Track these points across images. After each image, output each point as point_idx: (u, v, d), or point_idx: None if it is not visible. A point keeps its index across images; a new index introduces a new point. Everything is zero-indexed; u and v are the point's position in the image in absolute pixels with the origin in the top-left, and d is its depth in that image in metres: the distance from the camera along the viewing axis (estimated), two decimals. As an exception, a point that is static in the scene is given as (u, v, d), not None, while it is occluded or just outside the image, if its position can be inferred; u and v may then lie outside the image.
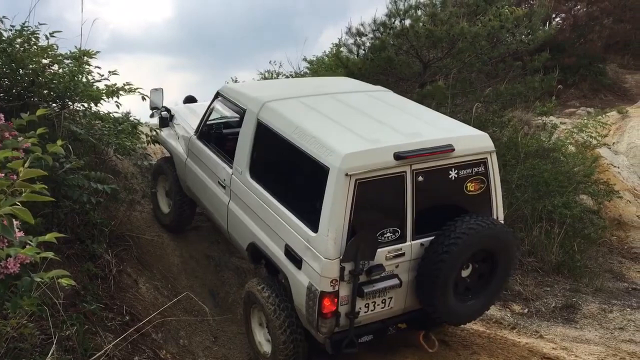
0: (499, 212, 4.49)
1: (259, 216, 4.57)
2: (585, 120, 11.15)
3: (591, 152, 9.78)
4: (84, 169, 4.67)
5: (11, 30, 5.08)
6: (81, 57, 5.38)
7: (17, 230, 2.38)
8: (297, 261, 4.14)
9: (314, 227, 3.97)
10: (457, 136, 4.34)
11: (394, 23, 9.01)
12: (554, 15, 16.61)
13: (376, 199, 4.03)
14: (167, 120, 6.17)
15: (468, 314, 4.50)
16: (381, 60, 8.79)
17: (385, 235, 4.05)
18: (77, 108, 5.59)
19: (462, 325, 5.36)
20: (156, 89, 6.07)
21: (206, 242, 6.37)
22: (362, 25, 9.29)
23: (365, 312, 4.13)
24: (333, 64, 10.76)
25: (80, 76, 5.28)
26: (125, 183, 6.34)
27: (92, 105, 5.55)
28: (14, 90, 5.05)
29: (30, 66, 5.03)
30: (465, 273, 4.30)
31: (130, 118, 5.99)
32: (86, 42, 5.59)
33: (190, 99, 7.01)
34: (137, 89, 5.68)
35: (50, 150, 2.67)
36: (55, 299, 3.83)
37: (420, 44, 8.81)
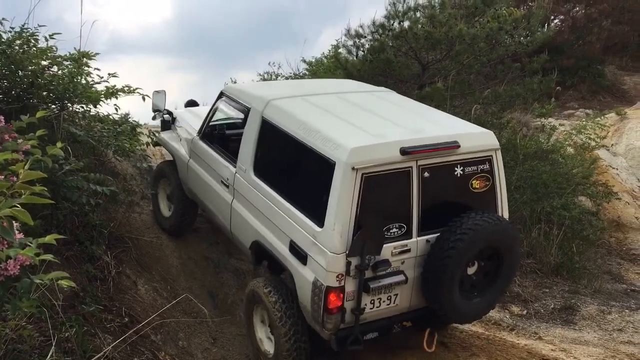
0: (504, 210, 4.49)
1: (263, 213, 4.57)
2: (584, 122, 11.16)
3: (590, 153, 9.78)
4: (83, 170, 4.67)
5: (10, 31, 5.08)
6: (80, 59, 5.37)
7: (16, 232, 2.38)
8: (302, 257, 4.13)
9: (320, 222, 3.97)
10: (462, 133, 4.38)
11: (392, 25, 9.02)
12: (552, 17, 16.62)
13: (382, 193, 4.03)
14: (169, 123, 6.17)
15: (473, 312, 4.48)
16: (380, 62, 8.80)
17: (391, 231, 4.06)
18: (77, 110, 5.59)
19: (461, 326, 5.39)
20: (158, 92, 6.07)
21: (205, 244, 6.37)
22: (361, 26, 9.31)
23: (371, 308, 4.12)
24: (332, 66, 10.76)
25: (79, 78, 5.28)
26: (124, 185, 6.33)
27: (92, 107, 5.55)
28: (13, 92, 5.05)
29: (30, 68, 5.03)
30: (471, 270, 4.30)
31: (129, 119, 5.99)
32: (85, 44, 5.60)
33: (191, 103, 7.03)
34: (136, 89, 5.68)
35: (50, 152, 2.68)
36: (54, 301, 3.83)
37: (419, 46, 8.82)
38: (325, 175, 3.95)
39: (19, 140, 2.84)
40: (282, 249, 4.36)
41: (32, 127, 3.06)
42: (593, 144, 10.04)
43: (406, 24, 8.90)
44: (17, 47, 5.00)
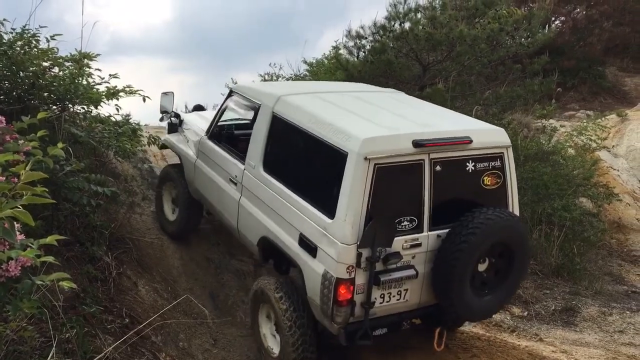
0: (514, 208, 4.48)
1: (272, 209, 4.55)
2: (585, 123, 11.16)
3: (591, 155, 9.78)
4: (84, 171, 4.67)
5: (12, 33, 5.09)
6: (81, 60, 5.38)
7: (18, 233, 2.38)
8: (312, 249, 4.10)
9: (331, 213, 3.95)
10: (474, 129, 4.39)
11: (393, 26, 9.04)
12: (553, 18, 16.63)
13: (394, 185, 4.02)
14: (176, 126, 6.16)
15: (484, 309, 4.42)
16: (381, 63, 8.81)
17: (402, 224, 4.04)
18: (78, 111, 5.59)
19: (462, 327, 5.38)
20: (166, 93, 6.06)
21: (206, 245, 6.37)
22: (362, 27, 9.33)
23: (381, 302, 4.09)
24: (333, 67, 10.77)
25: (80, 79, 5.28)
26: (125, 185, 6.34)
27: (93, 107, 5.55)
28: (14, 93, 5.06)
29: (31, 69, 5.03)
30: (482, 267, 4.27)
31: (130, 121, 6.00)
32: (86, 45, 5.60)
33: (198, 108, 7.08)
34: (138, 91, 5.68)
35: (51, 153, 2.68)
36: (55, 302, 3.82)
37: (419, 47, 8.83)
38: (337, 166, 3.93)
39: (20, 141, 2.84)
40: (291, 243, 4.32)
41: (33, 128, 3.06)
42: (594, 145, 10.04)
43: (407, 25, 8.91)
44: (18, 48, 5.01)
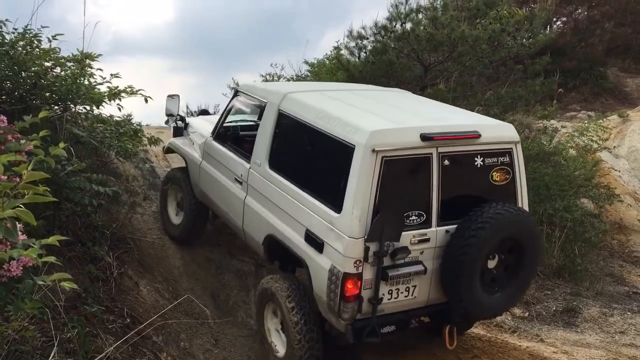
0: (524, 205, 4.45)
1: (277, 206, 4.53)
2: (586, 124, 11.15)
3: (592, 155, 9.77)
4: (85, 171, 4.67)
5: (14, 32, 5.09)
6: (83, 60, 5.38)
7: (19, 232, 2.38)
8: (318, 245, 4.05)
9: (338, 208, 3.91)
10: (483, 124, 4.39)
11: (395, 26, 9.04)
12: (554, 19, 16.63)
13: (402, 179, 4.00)
14: (181, 129, 6.15)
15: (494, 307, 4.36)
16: (382, 64, 8.81)
17: (410, 219, 4.00)
18: (79, 111, 5.60)
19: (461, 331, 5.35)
20: (172, 96, 6.03)
21: (207, 245, 6.37)
22: (363, 28, 9.33)
23: (389, 299, 4.03)
24: (334, 67, 10.77)
25: (82, 79, 5.29)
26: (126, 186, 6.34)
27: (94, 108, 5.56)
28: (16, 93, 5.06)
29: (33, 69, 5.03)
30: (491, 264, 4.22)
31: (131, 121, 6.00)
32: (88, 45, 5.61)
33: (204, 112, 7.15)
34: (139, 91, 5.68)
35: (53, 153, 2.67)
36: (56, 302, 3.83)
37: (421, 48, 8.84)
38: (344, 160, 3.90)
39: (22, 141, 2.84)
40: (297, 240, 4.28)
41: (35, 128, 3.06)
42: (595, 146, 10.03)
43: (408, 25, 8.91)
44: (20, 48, 5.01)
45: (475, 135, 4.14)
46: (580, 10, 17.80)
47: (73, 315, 4.06)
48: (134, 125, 5.93)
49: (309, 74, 12.31)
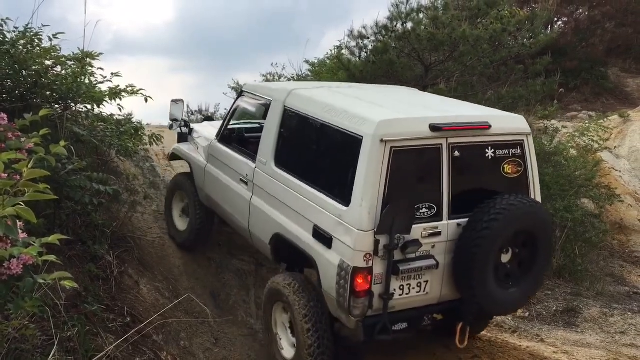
0: (537, 197, 4.37)
1: (284, 203, 4.46)
2: (587, 124, 11.13)
3: (593, 156, 9.76)
4: (86, 170, 4.67)
5: (14, 31, 5.09)
6: (84, 59, 5.38)
7: (20, 231, 2.38)
8: (327, 240, 3.97)
9: (346, 201, 3.84)
10: (493, 115, 4.34)
11: (395, 26, 9.04)
12: (555, 19, 16.62)
13: (411, 170, 3.94)
14: (186, 135, 6.12)
15: (509, 302, 4.24)
16: (383, 63, 8.81)
17: (420, 211, 3.91)
18: (80, 110, 5.60)
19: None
20: (176, 101, 5.99)
21: (208, 244, 6.37)
22: (364, 28, 9.33)
23: (400, 295, 3.94)
24: (335, 67, 10.77)
25: (83, 78, 5.29)
26: (127, 184, 6.34)
27: (95, 106, 5.56)
28: (17, 92, 5.06)
29: (33, 67, 5.03)
30: (505, 258, 4.12)
31: (132, 120, 6.00)
32: (89, 44, 5.62)
33: (208, 119, 7.18)
34: (140, 90, 5.68)
35: (53, 151, 2.67)
36: (56, 300, 3.83)
37: (422, 47, 8.83)
38: (352, 152, 3.83)
39: (22, 139, 2.84)
40: (304, 237, 4.20)
41: (36, 126, 3.06)
42: (596, 146, 10.02)
43: (409, 25, 8.91)
44: (20, 47, 5.01)
45: (485, 126, 4.08)
46: (581, 11, 17.78)
47: (73, 314, 4.06)
48: (135, 123, 5.92)
49: (309, 74, 12.31)
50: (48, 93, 5.20)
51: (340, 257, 3.85)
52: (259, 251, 5.35)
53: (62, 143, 2.74)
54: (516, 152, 4.24)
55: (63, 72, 5.28)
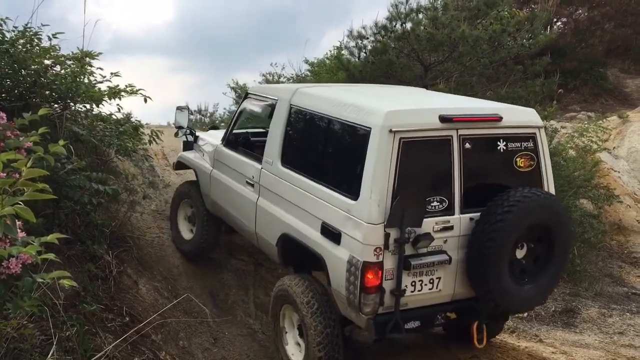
0: (551, 191, 4.27)
1: (291, 203, 4.40)
2: (586, 125, 11.13)
3: (591, 156, 9.76)
4: (85, 169, 4.66)
5: (14, 31, 5.09)
6: (83, 58, 5.38)
7: (19, 230, 2.38)
8: (335, 236, 3.88)
9: (355, 194, 3.76)
10: (504, 107, 4.29)
11: (395, 26, 9.05)
12: (555, 20, 16.63)
13: (421, 162, 3.85)
14: (191, 143, 6.08)
15: (525, 299, 4.13)
16: (382, 63, 8.82)
17: (431, 204, 3.82)
18: (79, 109, 5.59)
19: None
20: (182, 109, 5.95)
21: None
22: (363, 28, 9.35)
23: (412, 291, 3.83)
24: (334, 67, 10.78)
25: (82, 77, 5.28)
26: (126, 184, 6.33)
27: (94, 106, 5.55)
28: (16, 91, 5.05)
29: (33, 67, 5.03)
30: (520, 254, 4.02)
31: (131, 119, 5.99)
32: (88, 43, 5.61)
33: (214, 128, 7.19)
34: (139, 90, 5.68)
35: (52, 151, 2.67)
36: (55, 300, 3.82)
37: (421, 48, 8.84)
38: (361, 144, 3.76)
39: (21, 138, 2.84)
40: (312, 235, 4.11)
41: (35, 126, 3.06)
42: (595, 146, 10.02)
43: (408, 25, 8.92)
44: (20, 46, 5.01)
45: (497, 118, 4.02)
46: (580, 11, 17.79)
47: (72, 314, 4.06)
48: (134, 122, 5.92)
49: (309, 74, 12.31)
50: (47, 92, 5.19)
51: (349, 252, 3.75)
52: (258, 251, 5.34)
53: (61, 142, 2.73)
54: (529, 145, 4.16)
55: (62, 71, 5.27)
